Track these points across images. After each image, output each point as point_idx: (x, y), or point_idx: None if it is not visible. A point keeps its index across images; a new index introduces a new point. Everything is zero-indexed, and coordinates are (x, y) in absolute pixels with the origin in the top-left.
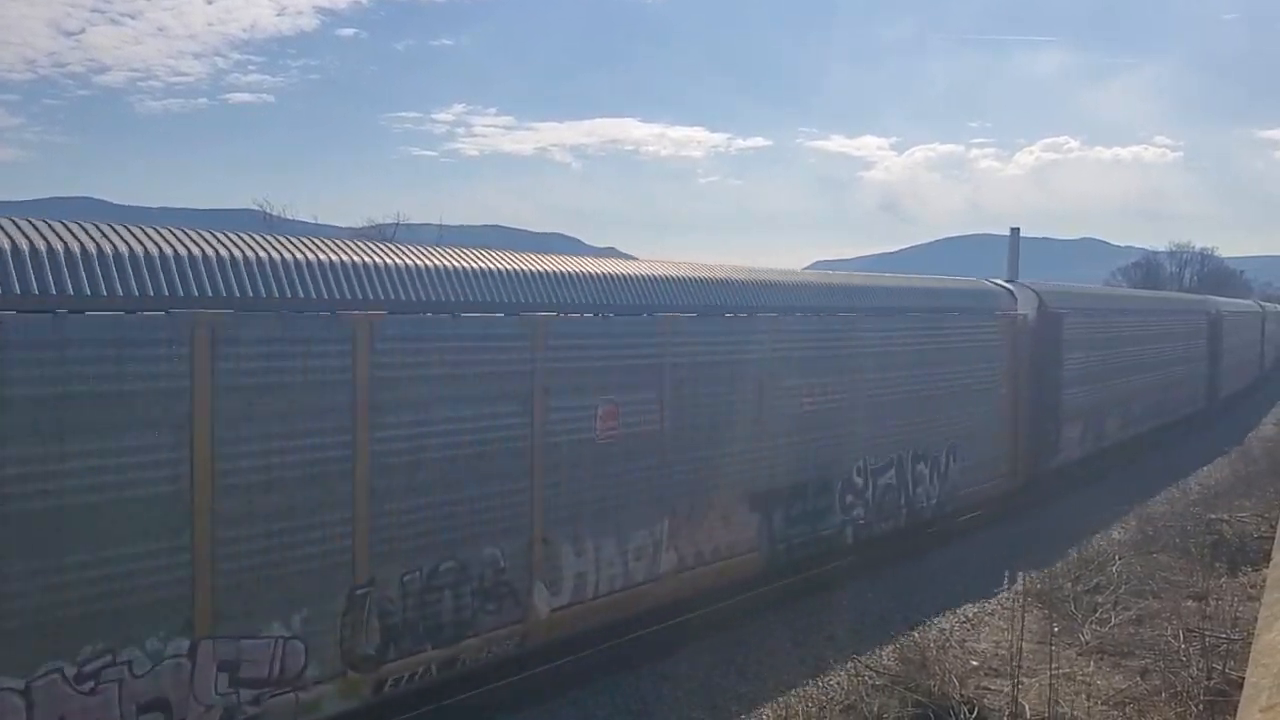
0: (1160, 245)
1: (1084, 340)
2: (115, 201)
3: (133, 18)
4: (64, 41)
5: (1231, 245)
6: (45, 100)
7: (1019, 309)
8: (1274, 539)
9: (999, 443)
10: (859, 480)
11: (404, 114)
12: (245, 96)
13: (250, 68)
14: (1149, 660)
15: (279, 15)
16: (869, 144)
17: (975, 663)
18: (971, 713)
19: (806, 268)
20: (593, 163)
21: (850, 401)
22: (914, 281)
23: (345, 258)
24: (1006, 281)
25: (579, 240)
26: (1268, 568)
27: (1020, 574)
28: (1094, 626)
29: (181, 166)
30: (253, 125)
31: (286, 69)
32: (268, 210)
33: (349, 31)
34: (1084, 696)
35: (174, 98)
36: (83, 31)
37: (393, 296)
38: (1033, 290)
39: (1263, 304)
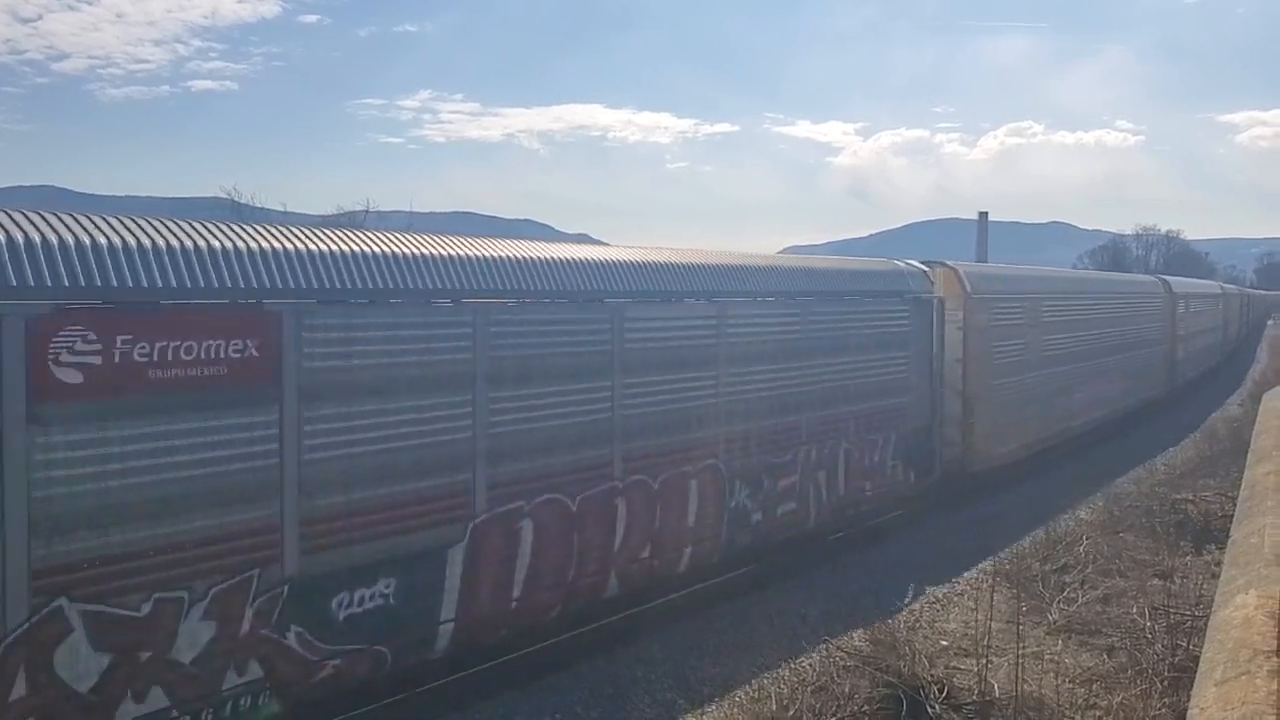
0: (1127, 228)
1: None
2: (79, 190)
3: (90, 4)
4: (20, 28)
5: (1196, 228)
6: (4, 88)
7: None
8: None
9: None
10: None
11: (369, 101)
12: (208, 84)
13: (212, 55)
14: (1115, 638)
15: (240, 2)
16: (835, 129)
17: (945, 643)
18: (941, 692)
19: (779, 253)
20: (561, 149)
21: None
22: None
23: None
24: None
25: (550, 226)
26: None
27: (988, 554)
28: (1062, 606)
29: (145, 154)
30: (217, 113)
31: (249, 56)
32: (236, 198)
33: (311, 18)
34: (1052, 675)
35: (135, 85)
36: (40, 18)
37: None
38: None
39: (1245, 289)
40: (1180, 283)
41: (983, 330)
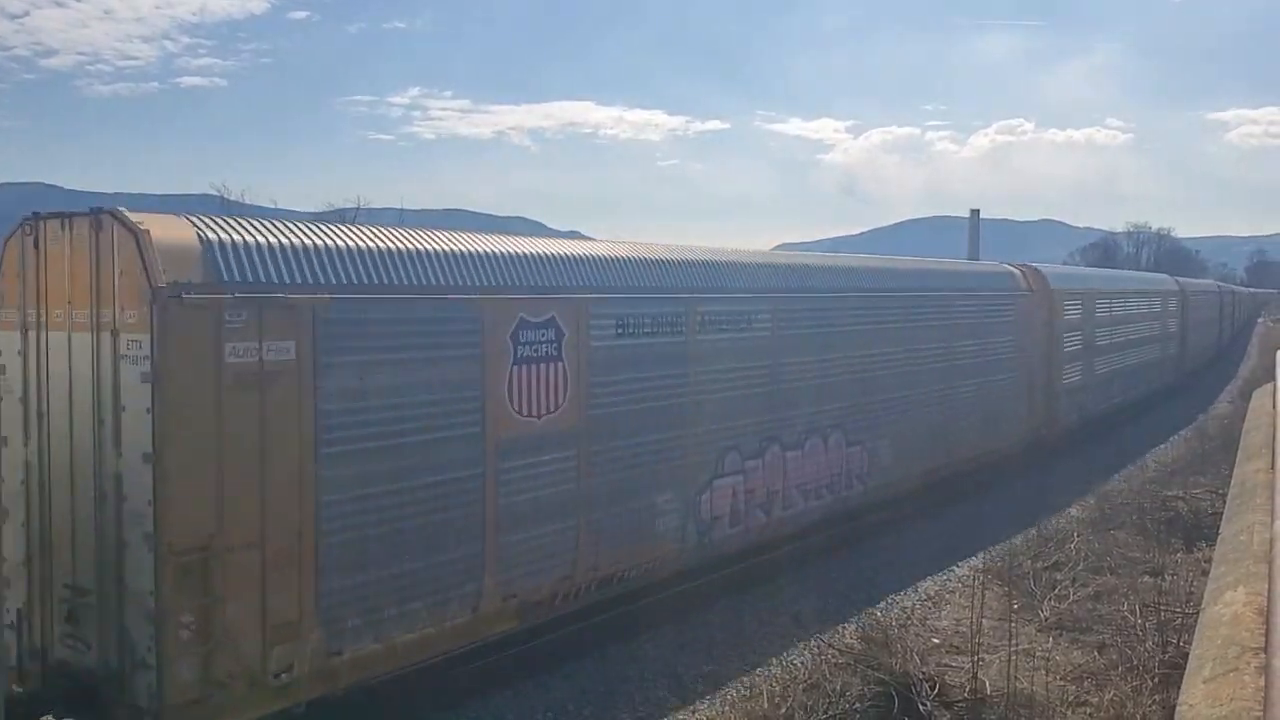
0: (1118, 226)
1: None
2: (69, 187)
3: (78, 0)
4: (8, 25)
5: (1188, 226)
6: None
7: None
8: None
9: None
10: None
11: (359, 97)
12: (197, 80)
13: (201, 51)
14: (1106, 635)
15: None
16: (826, 127)
17: (936, 640)
18: (933, 689)
19: (773, 250)
20: (551, 146)
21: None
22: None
23: None
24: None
25: (542, 224)
26: None
27: (980, 552)
28: (1053, 603)
29: (135, 151)
30: (206, 109)
31: (238, 52)
32: (226, 195)
33: (300, 14)
34: (1043, 672)
35: (124, 81)
36: (27, 15)
37: None
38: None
39: (1229, 286)
40: (1066, 275)
41: (274, 375)
